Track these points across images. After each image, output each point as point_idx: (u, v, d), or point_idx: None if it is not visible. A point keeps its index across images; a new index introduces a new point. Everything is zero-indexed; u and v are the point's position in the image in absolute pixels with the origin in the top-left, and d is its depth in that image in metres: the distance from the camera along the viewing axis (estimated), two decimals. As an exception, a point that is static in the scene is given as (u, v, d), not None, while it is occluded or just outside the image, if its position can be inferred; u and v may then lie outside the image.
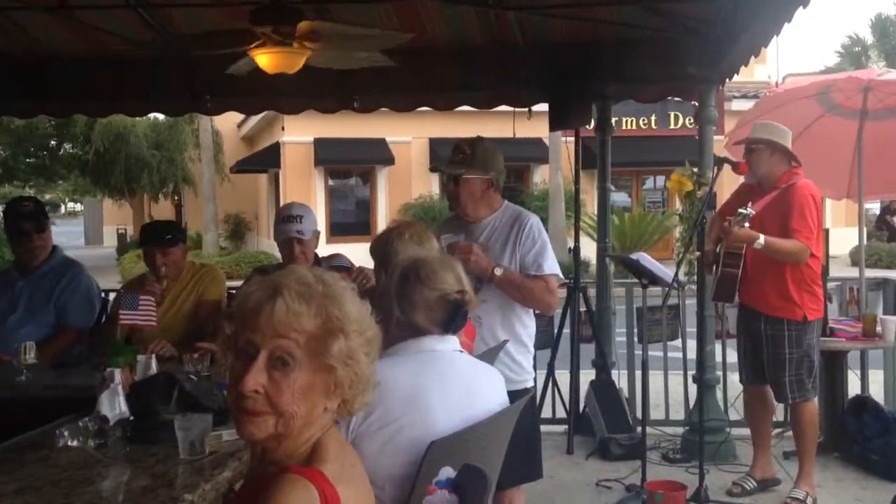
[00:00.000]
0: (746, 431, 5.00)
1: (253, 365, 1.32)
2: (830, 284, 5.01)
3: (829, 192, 6.04)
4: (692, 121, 20.10)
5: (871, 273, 5.33)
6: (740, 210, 3.82)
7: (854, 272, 10.25)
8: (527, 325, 3.16)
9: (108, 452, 2.25)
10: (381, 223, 19.00)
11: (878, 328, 4.65)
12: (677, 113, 18.82)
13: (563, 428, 5.42)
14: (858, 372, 5.24)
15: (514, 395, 2.79)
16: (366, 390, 1.43)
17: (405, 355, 2.01)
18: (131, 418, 2.39)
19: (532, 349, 3.21)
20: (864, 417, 4.64)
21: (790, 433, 4.84)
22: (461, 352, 2.11)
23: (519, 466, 2.64)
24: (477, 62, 5.22)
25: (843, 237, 11.41)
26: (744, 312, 4.32)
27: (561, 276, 3.14)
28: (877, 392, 5.25)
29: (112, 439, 2.32)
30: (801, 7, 2.96)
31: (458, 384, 1.99)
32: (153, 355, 3.03)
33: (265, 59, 3.79)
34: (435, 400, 1.92)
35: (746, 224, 3.86)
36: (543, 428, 5.64)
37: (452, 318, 2.03)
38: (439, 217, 18.04)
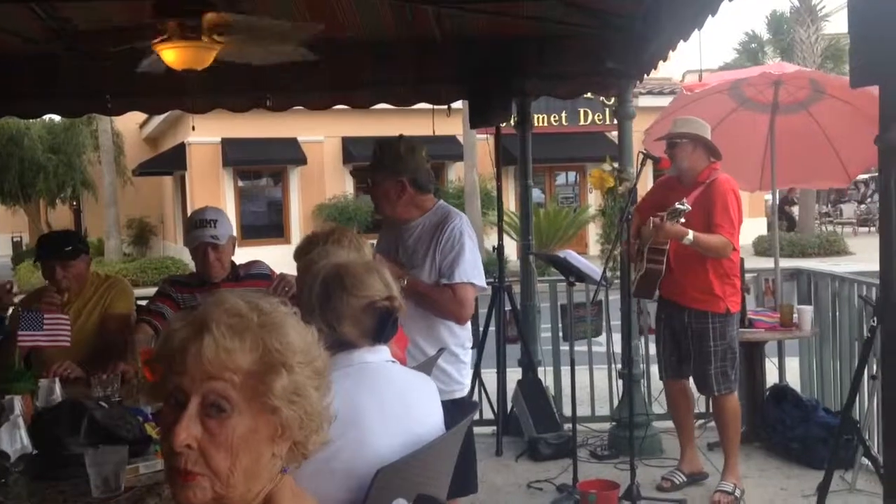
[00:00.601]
0: (668, 424, 5.07)
1: (183, 415, 1.14)
2: (747, 276, 5.10)
3: (742, 185, 6.15)
4: (601, 117, 20.53)
5: (780, 263, 5.44)
6: (677, 205, 3.80)
7: (759, 262, 10.61)
8: (456, 334, 3.01)
9: (9, 493, 2.01)
10: (295, 225, 18.63)
11: (795, 318, 4.76)
12: (587, 109, 19.13)
13: (491, 429, 5.36)
14: (775, 361, 5.37)
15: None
16: (320, 428, 1.26)
17: (334, 370, 1.86)
18: (34, 452, 2.15)
19: (465, 358, 3.08)
20: (784, 406, 4.74)
21: (712, 424, 4.91)
22: (393, 362, 1.99)
23: (455, 480, 2.53)
24: (394, 58, 5.08)
25: (746, 227, 11.81)
26: (665, 308, 4.33)
27: (477, 282, 2.96)
28: (793, 380, 5.38)
29: (13, 477, 2.08)
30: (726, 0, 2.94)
31: (395, 397, 1.86)
32: (56, 378, 2.77)
33: (171, 54, 3.55)
34: (372, 416, 1.79)
35: (682, 220, 3.86)
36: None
37: (382, 326, 1.89)
38: (354, 217, 17.84)
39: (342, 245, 2.41)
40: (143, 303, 3.84)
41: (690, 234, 3.89)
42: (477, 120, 5.13)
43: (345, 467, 1.70)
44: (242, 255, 3.80)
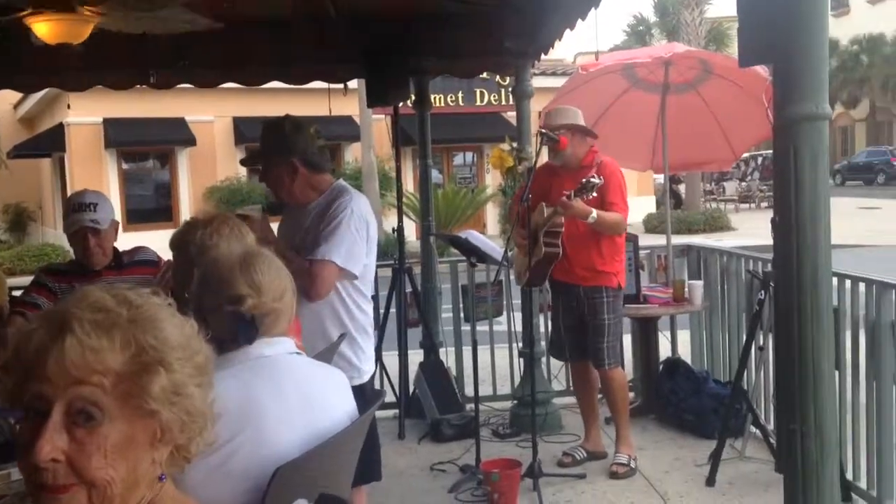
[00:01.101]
0: (568, 400, 5.17)
1: (45, 426, 1.00)
2: (641, 253, 5.22)
3: (634, 164, 6.31)
4: (497, 97, 20.60)
5: (664, 239, 5.60)
6: (590, 179, 3.82)
7: (650, 239, 10.95)
8: (356, 318, 2.90)
9: None
10: (185, 208, 17.98)
11: (686, 293, 4.91)
12: (483, 90, 19.22)
13: (393, 413, 5.32)
14: (668, 334, 5.53)
15: None
16: (204, 429, 1.14)
17: (230, 366, 1.75)
18: None
19: (365, 343, 2.96)
20: (677, 379, 4.89)
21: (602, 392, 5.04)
22: (298, 353, 1.89)
23: (357, 468, 2.46)
24: (287, 35, 4.90)
25: (636, 205, 12.18)
26: (562, 290, 4.38)
27: (339, 262, 2.73)
28: (685, 352, 5.56)
29: None
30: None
31: (297, 392, 1.76)
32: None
33: (44, 27, 3.29)
34: (271, 413, 1.69)
35: (594, 194, 3.89)
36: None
37: (234, 331, 1.77)
38: (247, 200, 17.34)
39: (222, 235, 2.27)
40: (18, 293, 3.57)
41: (594, 212, 3.95)
42: (374, 99, 5.03)
43: (242, 469, 1.61)
44: (129, 241, 3.58)
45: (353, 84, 5.54)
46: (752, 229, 18.08)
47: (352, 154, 18.91)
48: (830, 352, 1.56)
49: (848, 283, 3.64)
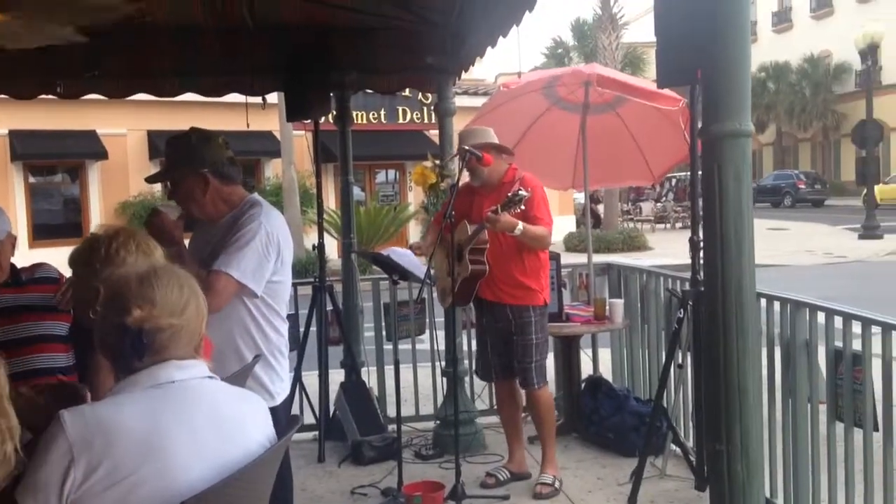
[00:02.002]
0: (492, 419, 5.12)
1: None
2: (563, 271, 5.23)
3: (555, 184, 6.38)
4: (420, 115, 20.67)
5: (585, 258, 5.65)
6: (518, 192, 3.78)
7: (570, 258, 11.10)
8: (270, 339, 2.74)
9: None
10: (95, 223, 17.30)
11: (607, 311, 4.94)
12: (405, 108, 19.23)
13: (312, 435, 5.18)
14: (590, 352, 5.56)
15: None
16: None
17: (134, 391, 1.62)
18: None
19: (278, 365, 2.81)
20: (599, 397, 4.91)
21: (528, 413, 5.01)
22: (211, 377, 1.76)
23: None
24: (202, 45, 4.75)
25: (557, 225, 12.29)
26: (487, 308, 4.30)
27: (236, 276, 2.58)
28: (606, 371, 5.60)
29: None
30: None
31: (210, 421, 1.63)
32: None
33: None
34: (179, 444, 1.56)
35: (522, 206, 3.86)
36: (293, 437, 5.41)
37: (120, 346, 1.64)
38: (163, 215, 16.82)
39: (129, 250, 2.13)
40: None
41: (521, 225, 3.91)
42: (294, 114, 4.91)
43: (145, 502, 1.48)
44: (37, 258, 3.37)
45: (272, 98, 5.40)
46: (668, 249, 18.55)
47: (272, 170, 18.58)
48: (756, 371, 1.55)
49: (763, 301, 3.72)
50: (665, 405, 4.26)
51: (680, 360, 4.04)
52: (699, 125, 4.05)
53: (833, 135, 43.54)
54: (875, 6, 36.11)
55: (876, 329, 2.96)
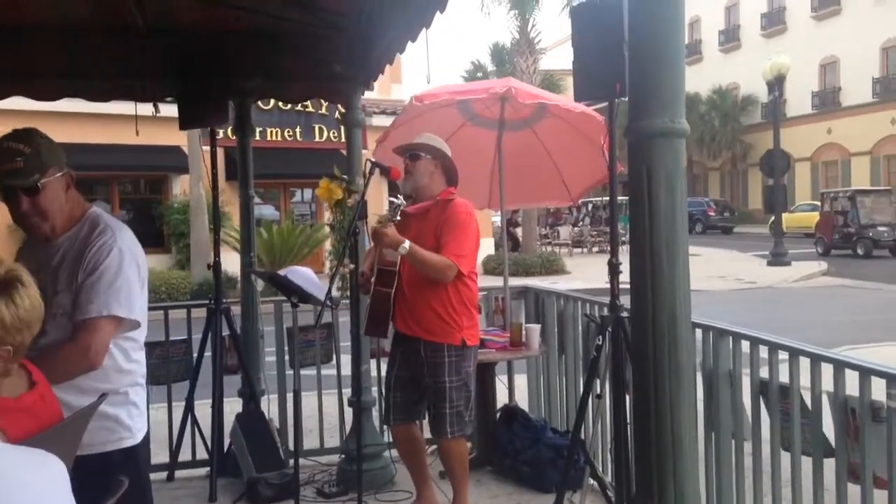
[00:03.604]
0: (403, 451, 4.78)
1: None
2: (479, 294, 4.96)
3: (471, 202, 6.11)
4: (336, 134, 20.31)
5: (504, 281, 5.39)
6: (391, 199, 3.50)
7: (488, 281, 10.88)
8: (123, 369, 2.31)
9: None
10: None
11: (524, 336, 4.69)
12: (321, 126, 18.82)
13: (204, 471, 4.75)
14: (504, 379, 5.29)
15: (103, 458, 2.22)
16: None
17: None
18: None
19: (138, 397, 2.40)
20: (514, 428, 4.64)
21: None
22: None
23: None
24: (86, 46, 4.34)
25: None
26: (400, 342, 3.93)
27: (123, 314, 2.21)
28: (521, 398, 5.35)
29: None
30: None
31: None
32: None
33: None
34: None
35: (398, 218, 3.56)
36: (182, 473, 4.96)
37: None
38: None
39: None
40: None
41: (406, 244, 3.56)
42: (188, 121, 4.53)
43: None
44: None
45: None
46: (585, 272, 18.64)
47: (180, 186, 17.85)
48: (691, 416, 1.29)
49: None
50: (583, 437, 4.02)
51: (598, 390, 3.80)
52: (616, 145, 3.92)
53: (741, 164, 45.21)
54: (780, 42, 37.75)
55: (804, 360, 2.78)
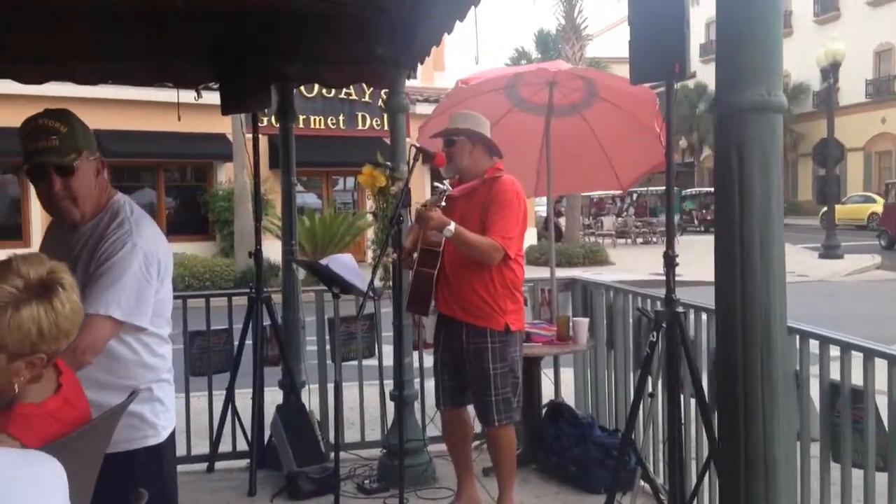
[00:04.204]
0: (444, 447, 4.65)
1: None
2: (524, 286, 4.80)
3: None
4: (379, 122, 20.30)
5: (545, 272, 5.20)
6: (436, 184, 3.38)
7: (531, 272, 10.75)
8: (149, 365, 2.21)
9: None
10: (36, 225, 16.51)
11: (571, 330, 4.52)
12: (365, 114, 18.76)
13: (244, 463, 4.68)
14: (550, 374, 5.13)
15: (127, 457, 2.13)
16: None
17: None
18: None
19: (163, 393, 2.27)
20: (561, 425, 4.48)
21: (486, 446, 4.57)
22: None
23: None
24: (124, 28, 4.24)
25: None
26: (443, 324, 3.86)
27: (120, 317, 2.05)
28: (568, 393, 5.18)
29: None
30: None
31: None
32: None
33: None
34: None
35: (443, 203, 3.42)
36: (221, 465, 4.90)
37: None
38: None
39: None
40: None
41: (452, 226, 3.44)
42: (229, 106, 4.42)
43: None
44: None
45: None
46: (629, 264, 18.31)
47: (224, 174, 17.93)
48: (788, 437, 1.12)
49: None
50: (634, 437, 3.84)
51: (650, 389, 3.62)
52: (673, 129, 3.72)
53: (791, 154, 44.09)
54: (833, 28, 36.67)
55: (880, 362, 2.57)
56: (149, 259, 2.13)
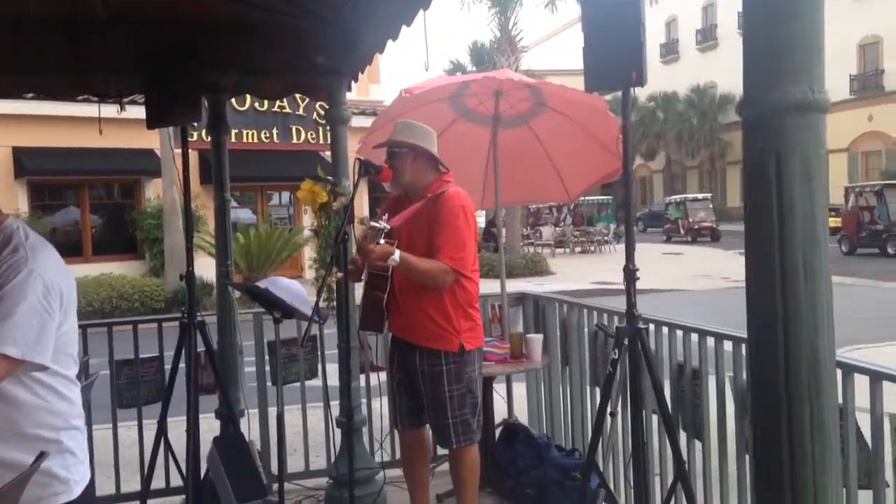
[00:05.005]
0: (397, 472, 4.44)
1: None
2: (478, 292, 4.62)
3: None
4: (314, 136, 19.98)
5: (493, 286, 5.04)
6: (372, 223, 3.18)
7: (475, 283, 10.60)
8: (55, 412, 1.91)
9: None
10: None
11: (524, 348, 4.36)
12: (299, 127, 18.43)
13: (179, 500, 4.37)
14: (503, 391, 4.96)
15: None
16: None
17: None
18: None
19: (74, 442, 1.97)
20: (516, 446, 4.30)
21: (442, 468, 4.37)
22: None
23: None
24: (42, 38, 3.94)
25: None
26: (396, 346, 3.68)
27: (17, 355, 1.76)
28: (520, 412, 5.01)
29: None
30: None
31: None
32: None
33: None
34: None
35: (382, 240, 3.22)
36: (155, 502, 4.57)
37: None
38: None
39: None
40: None
41: (396, 255, 3.25)
42: (156, 119, 4.12)
43: None
44: None
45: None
46: (570, 273, 18.38)
47: (153, 190, 17.35)
48: (839, 482, 0.96)
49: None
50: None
51: (611, 408, 3.47)
52: (630, 137, 3.60)
53: (720, 162, 45.29)
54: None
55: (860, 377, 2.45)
56: (49, 289, 1.84)
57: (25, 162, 15.52)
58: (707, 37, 46.63)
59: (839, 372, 2.48)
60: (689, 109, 44.86)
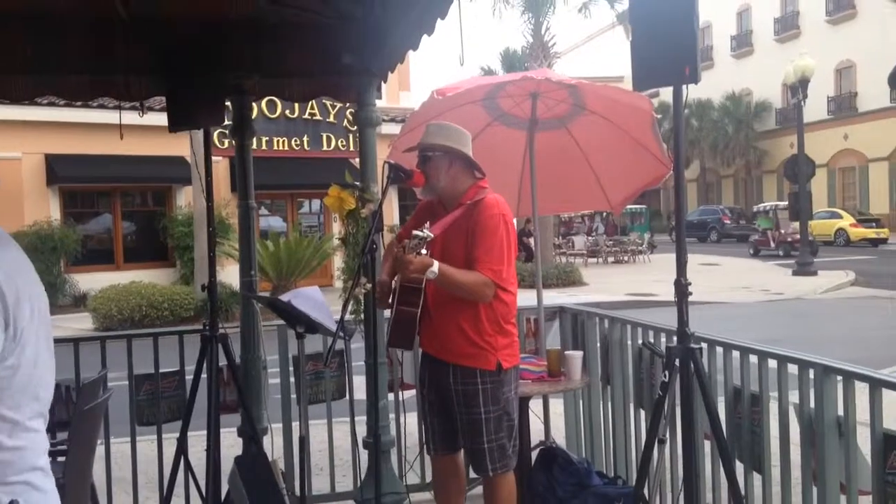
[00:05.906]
0: (426, 496, 4.20)
1: None
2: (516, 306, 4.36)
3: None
4: (345, 143, 19.87)
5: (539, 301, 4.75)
6: (415, 232, 2.95)
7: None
8: (26, 448, 1.42)
9: None
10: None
11: (562, 366, 4.09)
12: (329, 134, 18.32)
13: (200, 522, 4.14)
14: (539, 412, 4.68)
15: None
16: None
17: None
18: None
19: (42, 480, 1.47)
20: (554, 472, 4.02)
21: (474, 492, 4.12)
22: None
23: None
24: (61, 39, 3.80)
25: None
26: (428, 364, 3.43)
27: None
28: (558, 434, 4.73)
29: None
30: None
31: None
32: None
33: None
34: None
35: (424, 251, 2.99)
36: (174, 524, 4.38)
37: None
38: (60, 248, 15.51)
39: None
40: None
41: (435, 267, 3.02)
42: (178, 121, 3.94)
43: None
44: None
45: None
46: (604, 285, 18.00)
47: (184, 198, 17.32)
48: None
49: (774, 362, 2.92)
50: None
51: (661, 434, 3.19)
52: (682, 139, 3.34)
53: (755, 171, 44.56)
54: (794, 46, 37.08)
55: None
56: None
57: (58, 169, 15.58)
58: (742, 43, 45.93)
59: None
60: (724, 117, 44.16)
